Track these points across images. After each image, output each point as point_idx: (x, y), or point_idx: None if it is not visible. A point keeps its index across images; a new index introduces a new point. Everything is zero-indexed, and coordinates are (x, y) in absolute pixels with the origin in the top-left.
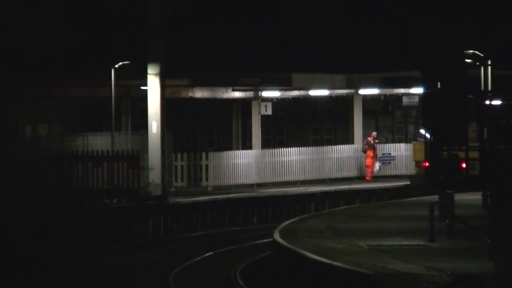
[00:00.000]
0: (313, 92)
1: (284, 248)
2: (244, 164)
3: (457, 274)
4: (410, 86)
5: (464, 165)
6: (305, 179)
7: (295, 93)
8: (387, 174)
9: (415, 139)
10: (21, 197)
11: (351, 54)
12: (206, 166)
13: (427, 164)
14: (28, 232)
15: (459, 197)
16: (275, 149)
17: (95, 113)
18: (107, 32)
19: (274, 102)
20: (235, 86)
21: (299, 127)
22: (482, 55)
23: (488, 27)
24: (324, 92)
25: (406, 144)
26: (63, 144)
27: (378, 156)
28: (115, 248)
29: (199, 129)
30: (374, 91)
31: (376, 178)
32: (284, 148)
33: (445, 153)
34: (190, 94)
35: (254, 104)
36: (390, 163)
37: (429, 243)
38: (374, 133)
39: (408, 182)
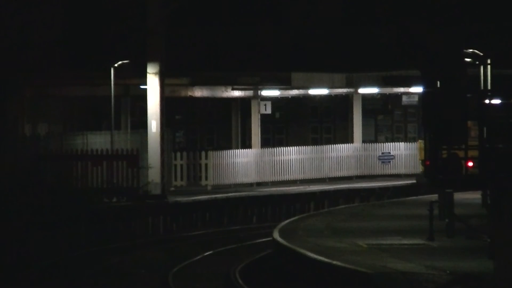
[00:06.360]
0: (313, 91)
1: (283, 247)
2: (244, 163)
3: (457, 273)
4: (409, 85)
5: (470, 164)
6: (304, 178)
7: (295, 92)
8: (387, 173)
9: (421, 138)
10: (20, 196)
11: (350, 53)
12: (206, 165)
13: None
14: (28, 232)
15: (458, 196)
16: (275, 148)
17: (94, 112)
18: (106, 31)
19: (274, 101)
20: (234, 85)
21: (298, 126)
22: (481, 54)
23: (488, 26)
24: (323, 91)
25: (406, 143)
26: (63, 143)
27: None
28: (114, 247)
29: (199, 128)
30: (373, 90)
31: (375, 177)
32: (284, 147)
33: (444, 152)
34: (189, 93)
35: (253, 103)
36: (389, 162)
37: (429, 242)
38: None
39: (414, 181)
